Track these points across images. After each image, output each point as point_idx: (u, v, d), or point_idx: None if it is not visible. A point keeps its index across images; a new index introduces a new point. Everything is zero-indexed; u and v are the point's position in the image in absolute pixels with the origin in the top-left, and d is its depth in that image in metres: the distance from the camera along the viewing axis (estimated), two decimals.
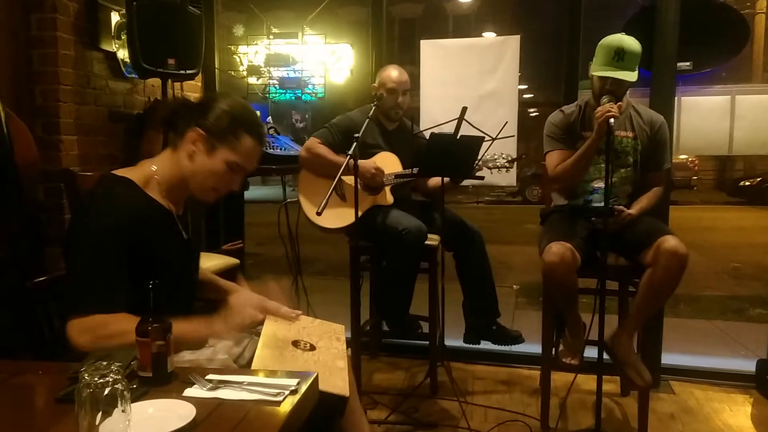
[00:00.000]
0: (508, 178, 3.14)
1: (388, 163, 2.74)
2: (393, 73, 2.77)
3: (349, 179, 2.54)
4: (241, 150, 1.44)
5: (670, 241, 2.16)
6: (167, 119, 1.49)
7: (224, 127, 1.42)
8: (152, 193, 1.42)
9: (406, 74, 2.79)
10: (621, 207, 2.31)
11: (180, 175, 1.45)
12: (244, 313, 1.42)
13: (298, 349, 1.46)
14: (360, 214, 2.42)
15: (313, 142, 2.73)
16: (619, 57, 2.25)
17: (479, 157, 2.57)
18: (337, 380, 1.39)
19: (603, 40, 2.32)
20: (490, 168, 2.64)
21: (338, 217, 2.67)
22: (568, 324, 2.40)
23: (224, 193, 1.49)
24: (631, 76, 2.27)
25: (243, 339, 1.55)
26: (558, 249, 2.20)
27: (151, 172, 1.43)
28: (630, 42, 2.27)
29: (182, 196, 1.50)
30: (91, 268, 1.29)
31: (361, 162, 2.46)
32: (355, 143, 2.29)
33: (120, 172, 1.42)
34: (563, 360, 2.39)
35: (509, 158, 2.66)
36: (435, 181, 2.77)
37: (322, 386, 1.31)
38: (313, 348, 1.50)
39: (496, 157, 2.63)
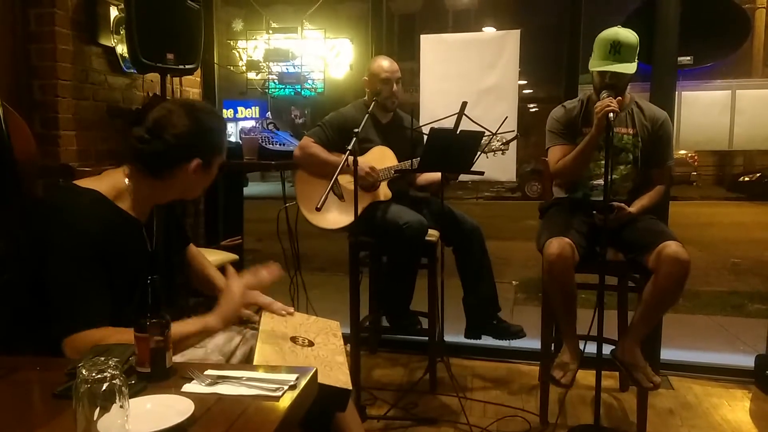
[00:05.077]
0: (507, 174, 3.13)
1: (383, 157, 2.73)
2: (383, 63, 2.77)
3: (346, 180, 2.53)
4: (224, 148, 1.50)
5: (672, 247, 2.14)
6: (141, 159, 1.39)
7: (213, 143, 1.45)
8: (122, 205, 1.40)
9: (396, 63, 2.79)
10: (621, 204, 2.30)
11: (166, 193, 1.46)
12: (236, 304, 1.43)
13: (297, 345, 1.47)
14: (359, 212, 2.41)
15: (307, 142, 2.72)
16: (616, 50, 2.25)
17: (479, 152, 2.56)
18: (339, 374, 1.40)
19: (599, 35, 2.33)
20: (485, 152, 2.63)
21: (337, 217, 2.67)
22: (565, 337, 2.32)
23: None
24: (630, 68, 2.26)
25: (234, 337, 1.54)
26: (558, 243, 2.19)
27: (122, 186, 1.41)
28: (626, 34, 2.26)
29: (151, 206, 1.49)
30: (74, 284, 1.28)
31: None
32: (354, 138, 2.29)
33: (84, 183, 1.39)
34: (554, 375, 2.29)
35: (503, 140, 2.65)
36: (427, 175, 2.76)
37: (325, 380, 1.32)
38: (311, 344, 1.50)
39: (490, 140, 2.62)
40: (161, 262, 1.51)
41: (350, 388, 1.39)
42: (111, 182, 1.40)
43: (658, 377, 2.25)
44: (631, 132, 2.43)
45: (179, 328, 1.32)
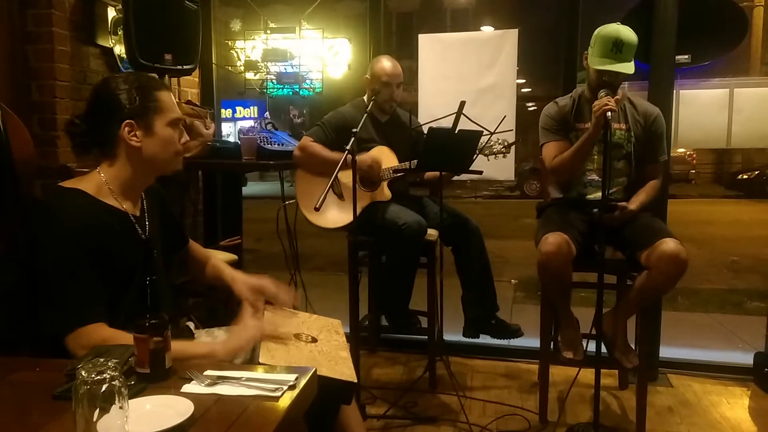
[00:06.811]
0: (506, 173, 3.14)
1: (384, 157, 2.73)
2: (386, 65, 2.75)
3: (346, 177, 2.53)
4: (166, 106, 1.46)
5: (669, 245, 2.14)
6: (85, 145, 1.46)
7: (141, 101, 1.42)
8: (106, 199, 1.41)
9: (399, 66, 2.78)
10: (623, 203, 2.30)
11: (132, 173, 1.45)
12: (248, 342, 1.43)
13: (301, 341, 1.48)
14: (358, 211, 2.41)
15: (307, 141, 2.72)
16: (618, 49, 2.25)
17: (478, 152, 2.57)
18: (344, 368, 1.42)
19: (600, 29, 2.31)
20: (486, 155, 2.63)
21: (337, 216, 2.67)
22: (563, 317, 2.40)
23: (183, 150, 1.52)
24: (630, 68, 2.26)
25: None
26: (554, 239, 2.20)
27: (100, 180, 1.42)
28: (627, 33, 2.26)
29: (137, 194, 1.50)
30: (67, 282, 1.28)
31: (357, 157, 2.46)
32: (353, 138, 2.29)
33: (68, 183, 1.41)
34: (564, 355, 2.38)
35: (505, 143, 2.65)
36: (430, 172, 2.76)
37: (330, 374, 1.33)
38: (314, 340, 1.51)
39: (492, 143, 2.62)
40: (158, 251, 1.51)
41: (355, 380, 1.41)
42: (92, 180, 1.43)
43: (636, 357, 2.32)
44: (623, 127, 2.44)
45: (187, 347, 1.33)
